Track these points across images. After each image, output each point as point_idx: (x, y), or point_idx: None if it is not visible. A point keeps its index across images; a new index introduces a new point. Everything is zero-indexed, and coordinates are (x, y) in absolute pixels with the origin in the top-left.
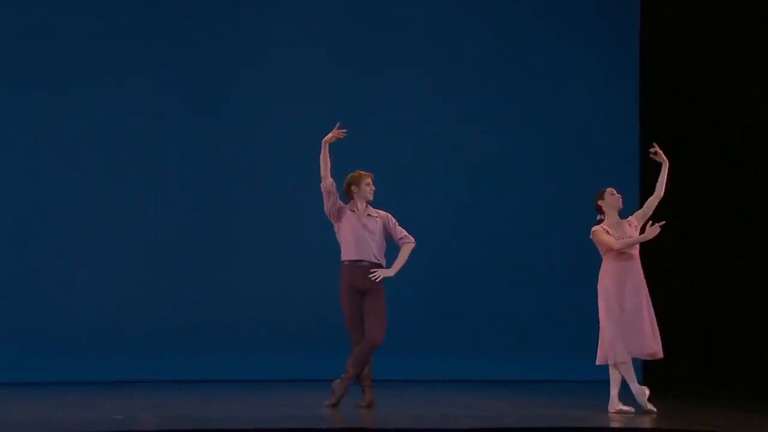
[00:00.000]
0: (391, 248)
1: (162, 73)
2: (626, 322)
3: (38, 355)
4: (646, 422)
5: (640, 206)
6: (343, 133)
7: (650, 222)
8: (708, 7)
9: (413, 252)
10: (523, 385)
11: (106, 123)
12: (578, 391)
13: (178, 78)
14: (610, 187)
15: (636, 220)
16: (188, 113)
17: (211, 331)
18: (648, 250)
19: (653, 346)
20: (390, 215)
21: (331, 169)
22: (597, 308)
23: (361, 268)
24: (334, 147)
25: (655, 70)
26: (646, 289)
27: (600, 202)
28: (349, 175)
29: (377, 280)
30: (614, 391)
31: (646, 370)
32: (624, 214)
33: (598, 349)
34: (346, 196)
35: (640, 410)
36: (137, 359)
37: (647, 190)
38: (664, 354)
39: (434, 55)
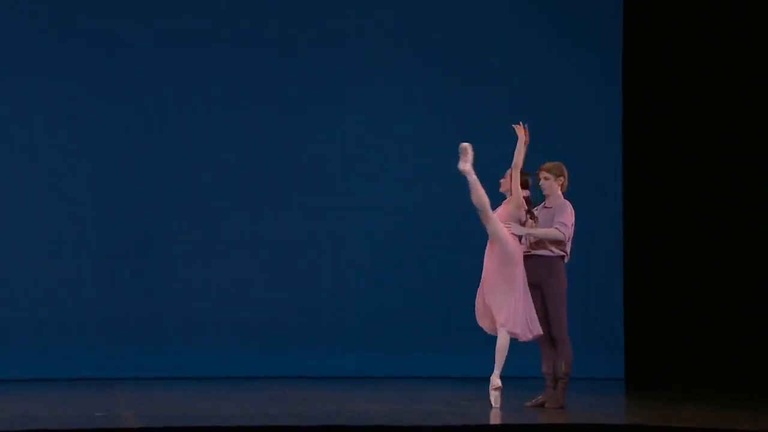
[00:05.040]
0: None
1: (161, 75)
2: None
3: (17, 352)
4: (625, 419)
5: (624, 209)
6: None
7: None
8: (691, 9)
9: (399, 250)
10: (507, 381)
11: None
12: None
13: (181, 80)
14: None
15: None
16: (189, 112)
17: (194, 328)
18: (632, 248)
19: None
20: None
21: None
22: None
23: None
24: (319, 139)
25: (638, 71)
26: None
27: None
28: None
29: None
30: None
31: (629, 366)
32: (604, 215)
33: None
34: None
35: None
36: (118, 355)
37: (630, 190)
38: (646, 349)
39: (415, 56)
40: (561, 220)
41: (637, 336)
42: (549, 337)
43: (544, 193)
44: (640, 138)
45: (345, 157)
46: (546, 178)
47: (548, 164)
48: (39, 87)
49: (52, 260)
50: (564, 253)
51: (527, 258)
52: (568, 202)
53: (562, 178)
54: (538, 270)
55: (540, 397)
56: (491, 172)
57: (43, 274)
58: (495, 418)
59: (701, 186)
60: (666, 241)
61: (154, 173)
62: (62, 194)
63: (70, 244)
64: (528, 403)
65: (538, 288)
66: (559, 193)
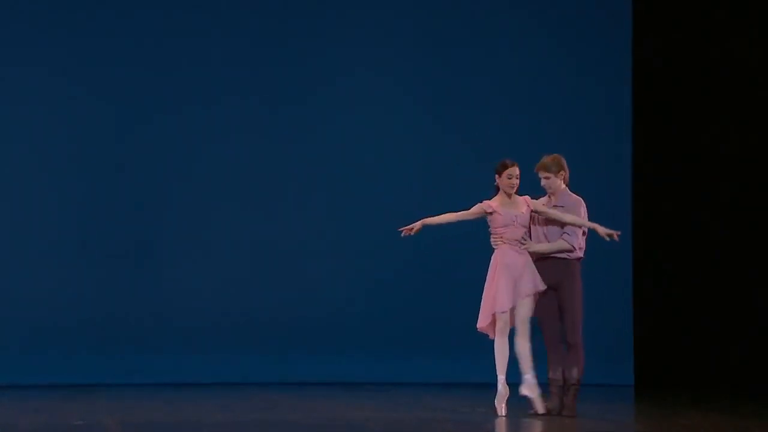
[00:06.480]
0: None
1: (158, 74)
2: None
3: None
4: (635, 427)
5: (633, 214)
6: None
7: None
8: (697, 6)
9: (396, 253)
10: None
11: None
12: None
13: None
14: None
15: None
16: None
17: (180, 332)
18: (642, 253)
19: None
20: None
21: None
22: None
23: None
24: (318, 139)
25: (648, 73)
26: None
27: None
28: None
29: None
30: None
31: (638, 373)
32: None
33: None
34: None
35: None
36: (99, 361)
37: (639, 191)
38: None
39: (418, 53)
40: (570, 230)
41: (646, 342)
42: (562, 341)
43: (549, 192)
44: (645, 140)
45: (344, 157)
46: (547, 178)
47: (545, 161)
48: (37, 88)
49: (31, 263)
50: (580, 256)
51: (544, 260)
52: (580, 200)
53: (563, 172)
54: (556, 272)
55: (545, 404)
56: (487, 175)
57: (22, 277)
58: (498, 426)
59: (711, 191)
60: (676, 247)
61: (145, 173)
62: (48, 199)
63: (50, 247)
64: (531, 411)
65: (554, 290)
66: (564, 187)
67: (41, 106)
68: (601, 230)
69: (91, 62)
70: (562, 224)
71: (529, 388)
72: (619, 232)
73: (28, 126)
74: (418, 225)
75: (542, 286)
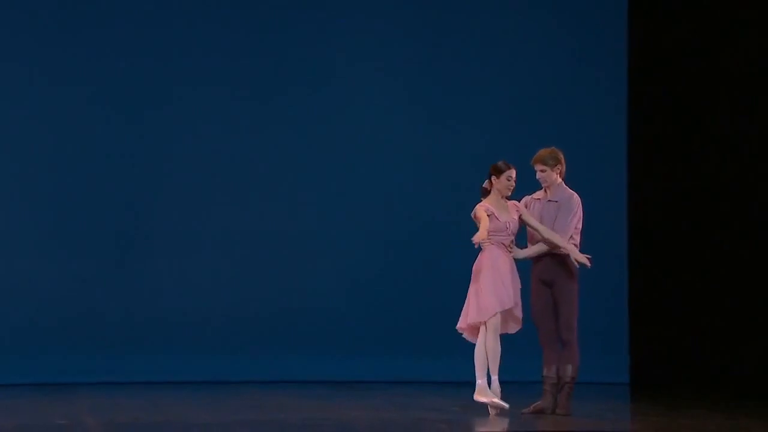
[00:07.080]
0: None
1: (146, 68)
2: None
3: None
4: (631, 426)
5: (628, 212)
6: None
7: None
8: (699, 4)
9: (385, 249)
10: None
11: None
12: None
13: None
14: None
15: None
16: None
17: (164, 329)
18: (637, 250)
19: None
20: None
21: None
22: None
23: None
24: (304, 136)
25: (644, 69)
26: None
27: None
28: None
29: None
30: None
31: (633, 373)
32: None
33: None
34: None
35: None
36: (82, 359)
37: (635, 188)
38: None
39: (408, 49)
40: (560, 227)
41: (641, 340)
42: (557, 338)
43: (544, 186)
44: (642, 138)
45: (331, 153)
46: (542, 171)
47: (541, 154)
48: (19, 81)
49: (10, 259)
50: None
51: (540, 257)
52: (575, 196)
53: (559, 166)
54: (551, 269)
55: (538, 403)
56: (488, 163)
57: (3, 274)
58: (490, 426)
59: (709, 189)
60: (673, 244)
61: (134, 166)
62: (27, 192)
63: (30, 242)
64: (524, 410)
65: (549, 287)
66: (560, 181)
67: (25, 103)
68: (573, 254)
69: (75, 54)
70: (553, 220)
71: (483, 392)
72: (590, 259)
73: (10, 119)
74: (486, 236)
75: (517, 298)
